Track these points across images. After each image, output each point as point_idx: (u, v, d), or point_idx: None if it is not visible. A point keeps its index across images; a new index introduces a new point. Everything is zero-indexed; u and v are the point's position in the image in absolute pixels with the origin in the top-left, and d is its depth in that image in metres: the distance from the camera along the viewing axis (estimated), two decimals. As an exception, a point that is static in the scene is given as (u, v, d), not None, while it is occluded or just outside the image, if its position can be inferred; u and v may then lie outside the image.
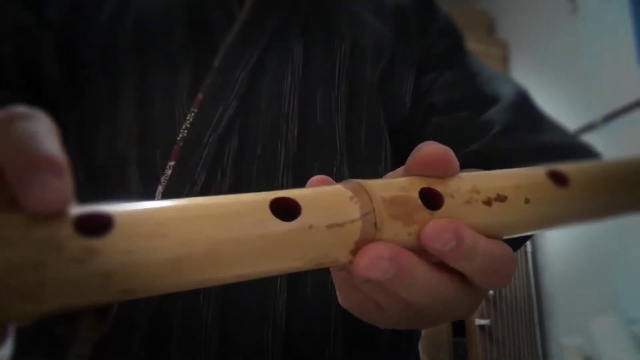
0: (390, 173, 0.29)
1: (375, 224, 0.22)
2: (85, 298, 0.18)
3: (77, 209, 0.18)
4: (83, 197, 0.45)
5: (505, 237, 0.25)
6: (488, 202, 0.24)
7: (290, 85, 0.47)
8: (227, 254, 0.19)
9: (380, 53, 0.52)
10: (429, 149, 0.25)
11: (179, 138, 0.43)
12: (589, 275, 1.85)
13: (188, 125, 0.44)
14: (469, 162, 0.36)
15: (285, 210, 0.21)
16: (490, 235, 0.24)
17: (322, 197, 0.22)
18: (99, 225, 0.18)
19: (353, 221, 0.22)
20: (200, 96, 0.45)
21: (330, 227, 0.21)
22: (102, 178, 0.47)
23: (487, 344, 1.95)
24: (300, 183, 0.44)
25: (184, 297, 0.41)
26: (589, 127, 1.83)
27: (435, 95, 0.53)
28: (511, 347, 1.97)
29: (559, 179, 0.26)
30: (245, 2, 0.49)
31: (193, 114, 0.44)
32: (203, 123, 0.44)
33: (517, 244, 0.51)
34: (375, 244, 0.22)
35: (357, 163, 0.48)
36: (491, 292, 1.98)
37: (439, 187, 0.24)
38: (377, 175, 0.48)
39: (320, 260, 0.22)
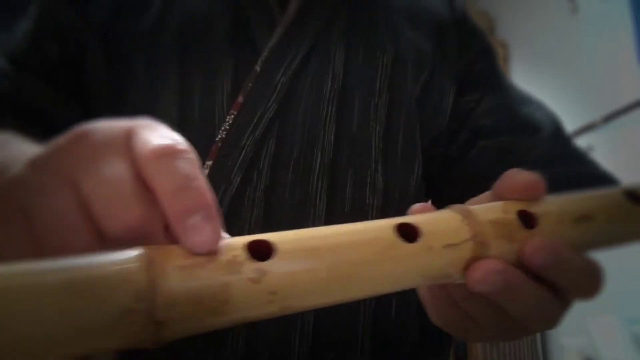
0: (474, 199, 0.31)
1: (484, 243, 0.25)
2: (256, 313, 0.21)
3: (245, 238, 0.22)
4: None
5: (592, 251, 0.29)
6: (576, 221, 0.27)
7: (329, 90, 0.48)
8: (365, 275, 0.23)
9: (421, 67, 0.52)
10: (524, 177, 0.28)
11: (217, 139, 0.44)
12: (589, 275, 1.85)
13: (227, 127, 0.44)
14: None
15: (407, 234, 0.24)
16: (579, 251, 0.27)
17: (436, 220, 0.25)
18: (264, 251, 0.21)
19: (466, 241, 0.25)
20: (240, 99, 0.45)
21: (446, 247, 0.24)
22: None
23: (487, 344, 1.95)
24: (335, 189, 0.45)
25: None
26: (589, 127, 1.83)
27: (481, 118, 0.54)
28: (511, 347, 1.97)
29: (635, 198, 0.29)
30: (287, 7, 0.50)
31: (232, 116, 0.45)
32: (242, 125, 0.45)
33: None
34: (485, 260, 0.25)
35: (391, 173, 0.48)
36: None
37: (533, 209, 0.27)
38: (409, 186, 0.50)
39: (436, 277, 0.25)
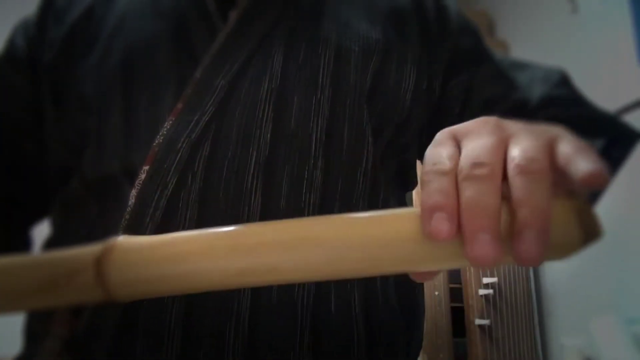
0: None
1: None
2: None
3: None
4: (86, 207, 0.46)
5: None
6: None
7: (266, 91, 0.48)
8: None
9: (369, 56, 0.53)
10: (586, 167, 0.24)
11: (154, 144, 0.45)
12: (589, 275, 1.85)
13: (164, 132, 0.45)
14: None
15: None
16: None
17: None
18: None
19: None
20: (179, 105, 0.46)
21: None
22: (97, 192, 0.50)
23: (487, 344, 1.95)
24: (270, 186, 0.47)
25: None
26: (589, 127, 1.84)
27: (483, 91, 0.56)
28: (511, 347, 1.97)
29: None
30: (229, 15, 0.51)
31: (170, 122, 0.46)
32: (178, 129, 0.46)
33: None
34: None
35: (333, 166, 0.49)
36: (491, 291, 1.98)
37: None
38: (355, 179, 0.50)
39: None
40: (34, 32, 0.57)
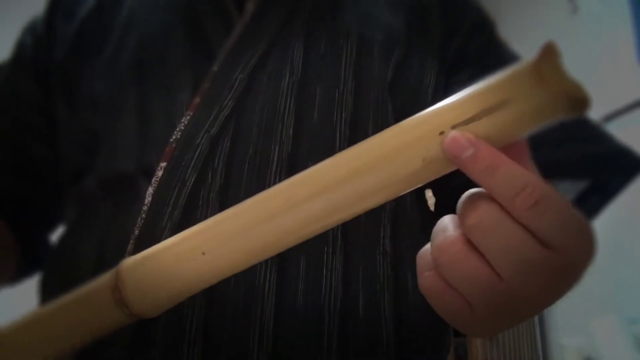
0: None
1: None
2: None
3: None
4: (100, 207, 0.45)
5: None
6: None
7: (287, 84, 0.46)
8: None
9: (391, 47, 0.51)
10: None
11: (172, 140, 0.43)
12: (589, 275, 1.84)
13: (182, 128, 0.43)
14: None
15: None
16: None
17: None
18: None
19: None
20: (197, 100, 0.44)
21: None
22: (112, 192, 0.48)
23: (487, 344, 1.95)
24: None
25: None
26: (589, 127, 1.83)
27: None
28: (511, 347, 1.97)
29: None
30: (245, 7, 0.49)
31: (188, 117, 0.44)
32: (197, 125, 0.43)
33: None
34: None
35: None
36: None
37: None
38: None
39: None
40: (43, 30, 0.55)
